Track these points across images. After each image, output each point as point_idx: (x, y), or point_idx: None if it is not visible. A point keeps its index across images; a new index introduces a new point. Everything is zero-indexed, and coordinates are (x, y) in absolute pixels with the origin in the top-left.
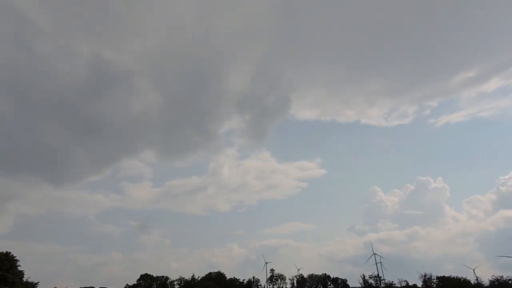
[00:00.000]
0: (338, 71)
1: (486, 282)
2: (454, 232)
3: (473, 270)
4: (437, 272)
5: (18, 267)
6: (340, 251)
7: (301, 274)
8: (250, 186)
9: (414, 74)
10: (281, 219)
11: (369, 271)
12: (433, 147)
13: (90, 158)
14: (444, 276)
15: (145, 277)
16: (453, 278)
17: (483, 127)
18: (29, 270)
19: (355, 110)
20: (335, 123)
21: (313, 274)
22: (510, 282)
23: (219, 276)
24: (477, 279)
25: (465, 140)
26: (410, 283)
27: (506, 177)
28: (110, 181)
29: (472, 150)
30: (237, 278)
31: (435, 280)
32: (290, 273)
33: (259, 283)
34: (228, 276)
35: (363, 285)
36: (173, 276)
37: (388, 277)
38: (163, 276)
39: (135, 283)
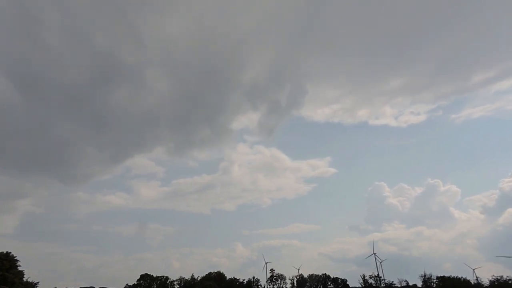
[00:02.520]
0: (357, 68)
1: (486, 282)
2: (459, 233)
3: (473, 270)
4: (439, 272)
5: (18, 267)
6: (345, 251)
7: (301, 274)
8: (260, 185)
9: (432, 73)
10: (288, 219)
11: (373, 271)
12: (446, 145)
13: (100, 156)
14: (444, 276)
15: (145, 277)
16: (453, 278)
17: (491, 126)
18: (33, 269)
19: (370, 108)
20: (348, 122)
21: (313, 274)
22: (510, 282)
23: (219, 276)
24: (477, 279)
25: (472, 139)
26: (411, 283)
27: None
28: (120, 180)
29: (481, 149)
30: (237, 278)
31: (435, 280)
32: (291, 273)
33: (259, 283)
34: (229, 276)
35: (363, 285)
36: (175, 276)
37: (390, 277)
38: (163, 276)
39: (135, 283)
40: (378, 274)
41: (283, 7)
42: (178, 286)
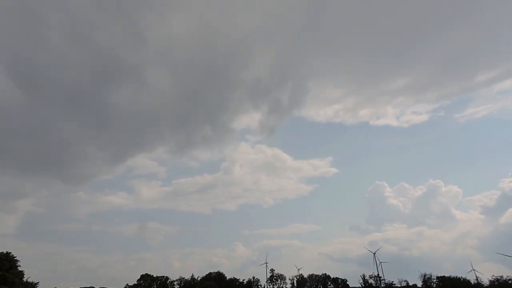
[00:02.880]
0: (359, 67)
1: (486, 282)
2: (460, 233)
3: (473, 269)
4: (439, 272)
5: (18, 267)
6: (345, 251)
7: (301, 274)
8: (261, 185)
9: (435, 73)
10: (289, 219)
11: (373, 271)
12: (448, 145)
13: (101, 156)
14: (444, 276)
15: (145, 277)
16: (453, 278)
17: (492, 125)
18: (33, 269)
19: (371, 108)
20: (350, 122)
21: (313, 274)
22: (510, 282)
23: (219, 276)
24: (477, 279)
25: (474, 139)
26: (411, 283)
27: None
28: (121, 180)
29: (483, 149)
30: (237, 278)
31: (435, 280)
32: (291, 273)
33: (259, 283)
34: (229, 276)
35: (363, 285)
36: (175, 276)
37: (390, 277)
38: (163, 276)
39: (135, 283)
40: (378, 274)
41: (285, 7)
42: (178, 286)
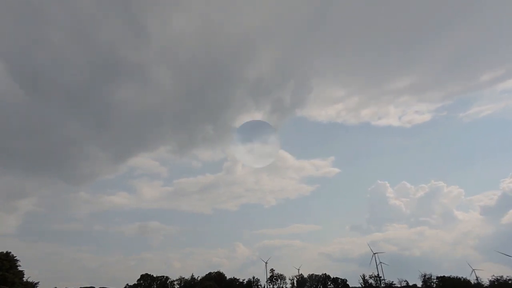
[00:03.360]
0: (361, 67)
1: (486, 282)
2: (461, 233)
3: (473, 270)
4: (439, 272)
5: (18, 267)
6: (345, 251)
7: (301, 274)
8: (263, 185)
9: (438, 73)
10: (290, 219)
11: (373, 271)
12: (450, 145)
13: (103, 156)
14: (444, 276)
15: (145, 277)
16: (453, 278)
17: (496, 125)
18: (33, 269)
19: (374, 108)
20: (352, 122)
21: (313, 274)
22: (510, 282)
23: (219, 276)
24: (477, 279)
25: (477, 139)
26: (411, 283)
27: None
28: (122, 179)
29: (486, 149)
30: (237, 278)
31: (435, 280)
32: (291, 273)
33: (259, 283)
34: (228, 276)
35: (363, 285)
36: (176, 276)
37: (390, 277)
38: (163, 276)
39: (135, 283)
40: (378, 274)
41: (287, 6)
42: (178, 286)
